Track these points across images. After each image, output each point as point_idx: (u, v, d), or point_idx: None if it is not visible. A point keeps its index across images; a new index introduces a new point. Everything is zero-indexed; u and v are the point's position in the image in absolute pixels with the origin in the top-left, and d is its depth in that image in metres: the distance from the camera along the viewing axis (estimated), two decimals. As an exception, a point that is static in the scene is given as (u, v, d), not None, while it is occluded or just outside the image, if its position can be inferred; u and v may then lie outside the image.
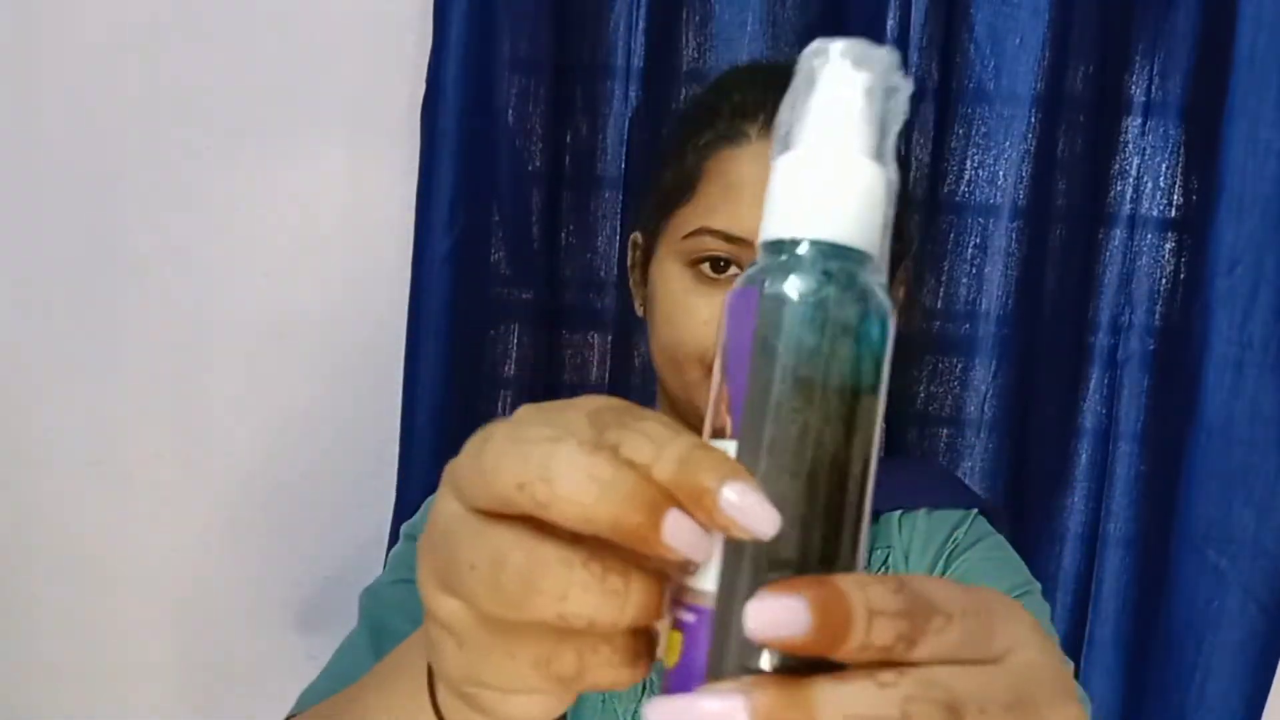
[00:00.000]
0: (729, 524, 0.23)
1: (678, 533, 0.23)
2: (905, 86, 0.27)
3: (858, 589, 0.22)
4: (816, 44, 0.27)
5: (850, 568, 0.24)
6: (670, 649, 0.25)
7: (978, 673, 0.23)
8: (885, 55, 0.27)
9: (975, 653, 0.24)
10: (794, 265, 0.26)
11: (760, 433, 0.25)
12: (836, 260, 0.26)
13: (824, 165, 0.26)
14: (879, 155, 0.27)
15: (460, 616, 0.26)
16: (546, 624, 0.24)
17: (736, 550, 0.24)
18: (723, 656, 0.24)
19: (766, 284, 0.26)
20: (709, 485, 0.23)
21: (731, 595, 0.24)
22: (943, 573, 0.67)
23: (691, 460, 0.23)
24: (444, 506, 0.27)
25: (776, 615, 0.22)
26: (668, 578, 0.25)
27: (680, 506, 0.23)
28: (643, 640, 0.26)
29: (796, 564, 0.24)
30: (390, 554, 0.70)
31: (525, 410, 0.27)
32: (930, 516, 0.70)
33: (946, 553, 0.68)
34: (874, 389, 0.25)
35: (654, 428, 0.24)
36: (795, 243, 0.26)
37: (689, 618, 0.25)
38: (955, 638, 0.23)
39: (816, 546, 0.24)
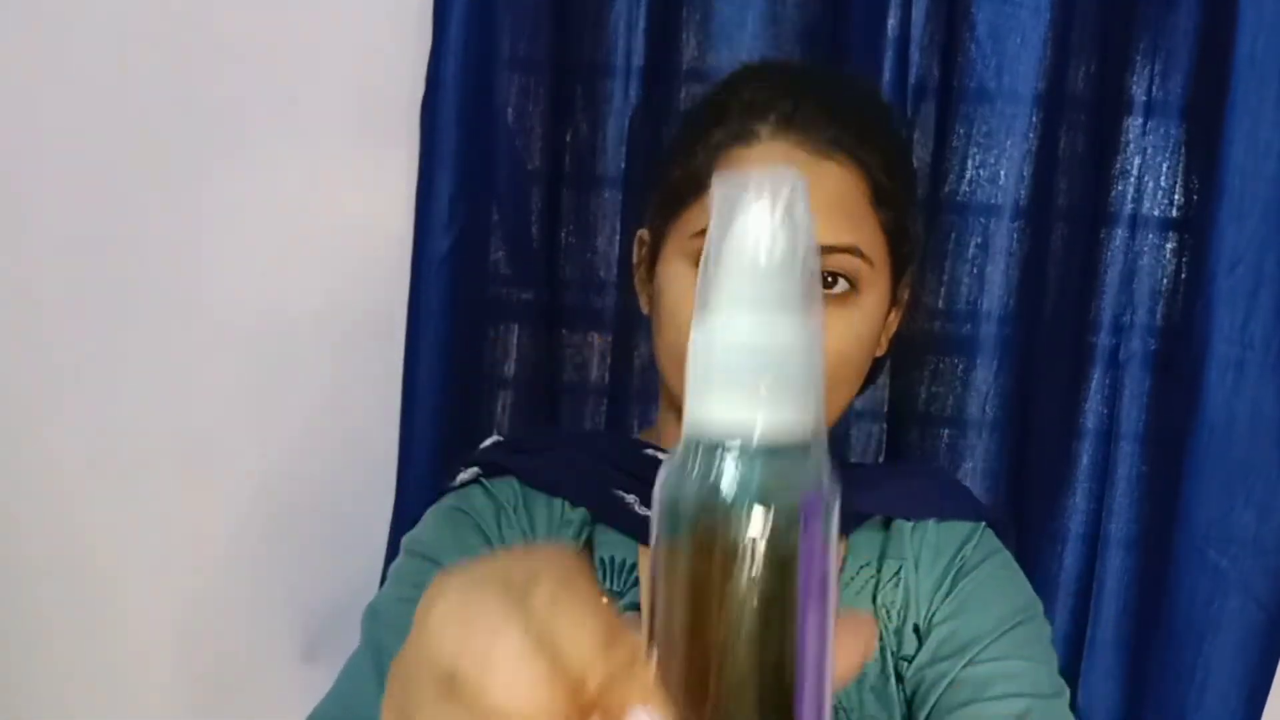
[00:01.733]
0: None
1: None
2: (807, 218, 0.24)
3: None
4: (724, 181, 0.25)
5: None
6: None
7: None
8: (793, 177, 0.24)
9: None
10: (687, 468, 0.24)
11: (667, 657, 0.24)
12: (741, 462, 0.24)
13: (726, 356, 0.24)
14: (799, 306, 0.24)
15: None
16: None
17: None
18: None
19: (662, 490, 0.25)
20: (622, 711, 0.23)
21: None
22: (949, 591, 0.66)
23: (616, 679, 0.24)
24: (414, 653, 0.26)
25: None
26: None
27: None
28: None
29: None
30: (391, 567, 0.70)
31: (481, 569, 0.26)
32: (940, 527, 0.69)
33: (954, 570, 0.67)
34: (779, 600, 0.24)
35: (591, 631, 0.24)
36: (696, 437, 0.24)
37: None
38: None
39: None
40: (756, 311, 0.24)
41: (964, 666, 0.62)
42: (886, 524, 0.70)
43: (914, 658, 0.65)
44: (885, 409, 0.95)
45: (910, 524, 0.69)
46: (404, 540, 0.70)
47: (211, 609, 1.02)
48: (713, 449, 0.24)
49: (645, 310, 0.73)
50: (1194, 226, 0.91)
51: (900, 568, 0.68)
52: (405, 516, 0.91)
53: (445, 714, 0.25)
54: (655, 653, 0.25)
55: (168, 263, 0.97)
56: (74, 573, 1.01)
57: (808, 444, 0.24)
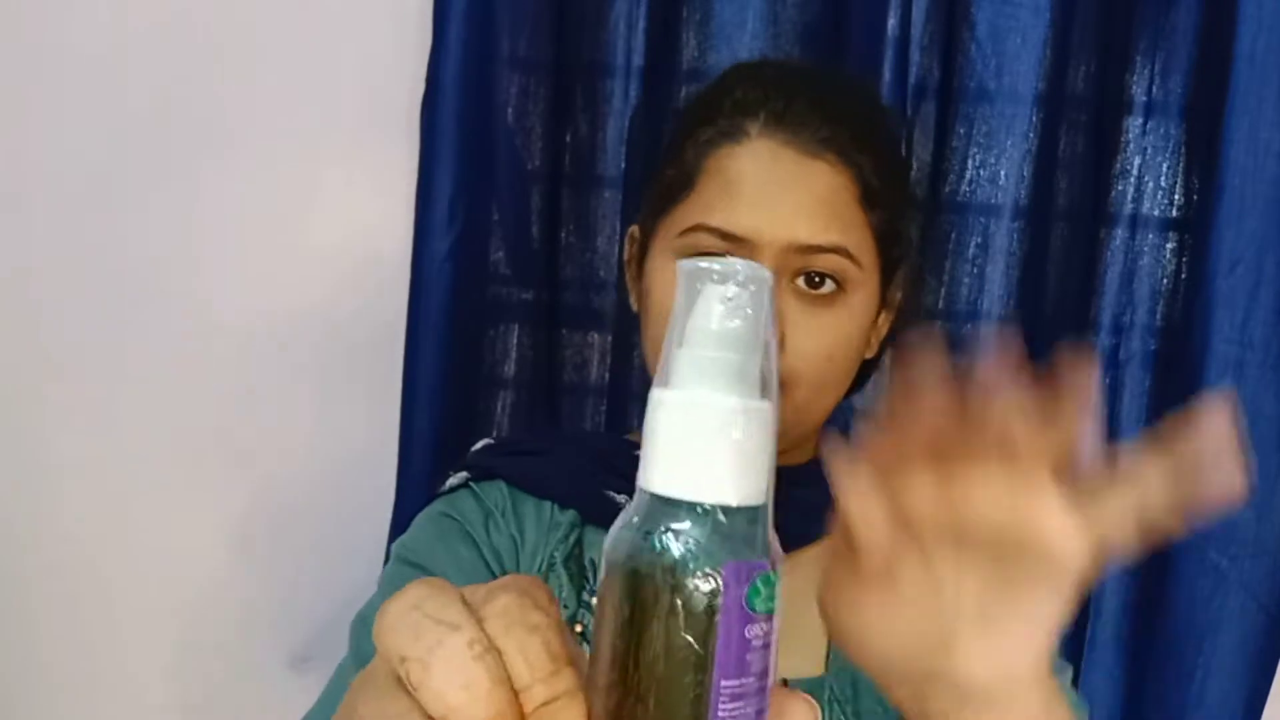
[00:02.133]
0: None
1: None
2: (769, 304, 0.26)
3: None
4: (690, 265, 0.26)
5: None
6: None
7: None
8: (757, 272, 0.25)
9: None
10: (631, 523, 0.25)
11: (595, 693, 0.25)
12: (679, 522, 0.24)
13: (677, 418, 0.25)
14: (755, 386, 0.25)
15: None
16: None
17: None
18: None
19: (609, 538, 0.25)
20: None
21: None
22: None
23: (554, 708, 0.24)
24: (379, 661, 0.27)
25: None
26: None
27: None
28: None
29: None
30: (381, 574, 0.70)
31: (445, 582, 0.27)
32: None
33: None
34: (693, 666, 0.24)
35: (538, 651, 0.25)
36: (643, 494, 0.25)
37: None
38: None
39: None
40: (712, 385, 0.25)
41: None
42: None
43: None
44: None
45: None
46: (393, 546, 0.70)
47: (208, 612, 1.02)
48: (656, 505, 0.25)
49: (635, 307, 0.73)
50: (1194, 226, 0.91)
51: None
52: (404, 518, 0.90)
53: (387, 706, 0.25)
54: (586, 691, 0.25)
55: (167, 262, 0.97)
56: (69, 576, 1.01)
57: (751, 515, 0.25)
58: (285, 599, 1.01)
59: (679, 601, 0.24)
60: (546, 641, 0.25)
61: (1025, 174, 0.91)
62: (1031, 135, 0.90)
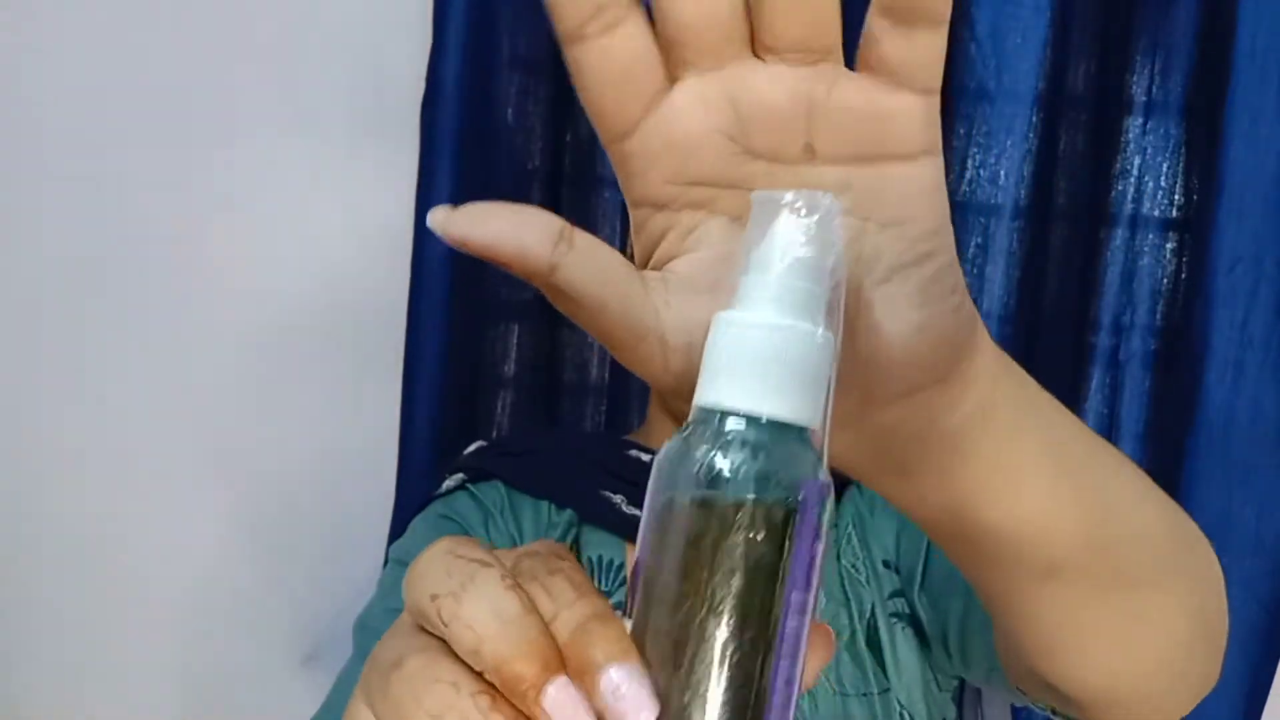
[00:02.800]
0: (604, 707, 0.22)
1: (558, 701, 0.22)
2: (838, 236, 0.25)
3: None
4: (763, 195, 0.26)
5: None
6: None
7: None
8: (829, 202, 0.25)
9: None
10: (695, 439, 0.24)
11: (647, 614, 0.24)
12: (748, 436, 0.24)
13: (742, 336, 0.25)
14: (820, 313, 0.25)
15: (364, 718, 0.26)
16: None
17: None
18: None
19: (664, 451, 0.25)
20: (596, 661, 0.23)
21: None
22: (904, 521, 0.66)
23: (587, 629, 0.23)
24: (404, 613, 0.27)
25: None
26: None
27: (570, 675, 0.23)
28: None
29: None
30: (380, 578, 0.70)
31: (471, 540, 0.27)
32: None
33: None
34: (770, 577, 0.24)
35: (561, 584, 0.24)
36: (705, 412, 0.25)
37: None
38: None
39: None
40: (778, 309, 0.25)
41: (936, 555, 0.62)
42: (839, 495, 0.70)
43: (904, 590, 0.65)
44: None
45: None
46: (390, 550, 0.70)
47: (211, 612, 1.02)
48: (721, 423, 0.25)
49: None
50: (1194, 226, 0.91)
51: (850, 524, 0.67)
52: (404, 518, 0.90)
53: (406, 643, 0.25)
54: (636, 611, 0.25)
55: (166, 262, 0.97)
56: (73, 576, 1.01)
57: (806, 438, 0.25)
58: (286, 603, 1.01)
59: (759, 516, 0.24)
60: (569, 578, 0.25)
61: (1025, 174, 0.91)
62: (1031, 135, 0.90)
